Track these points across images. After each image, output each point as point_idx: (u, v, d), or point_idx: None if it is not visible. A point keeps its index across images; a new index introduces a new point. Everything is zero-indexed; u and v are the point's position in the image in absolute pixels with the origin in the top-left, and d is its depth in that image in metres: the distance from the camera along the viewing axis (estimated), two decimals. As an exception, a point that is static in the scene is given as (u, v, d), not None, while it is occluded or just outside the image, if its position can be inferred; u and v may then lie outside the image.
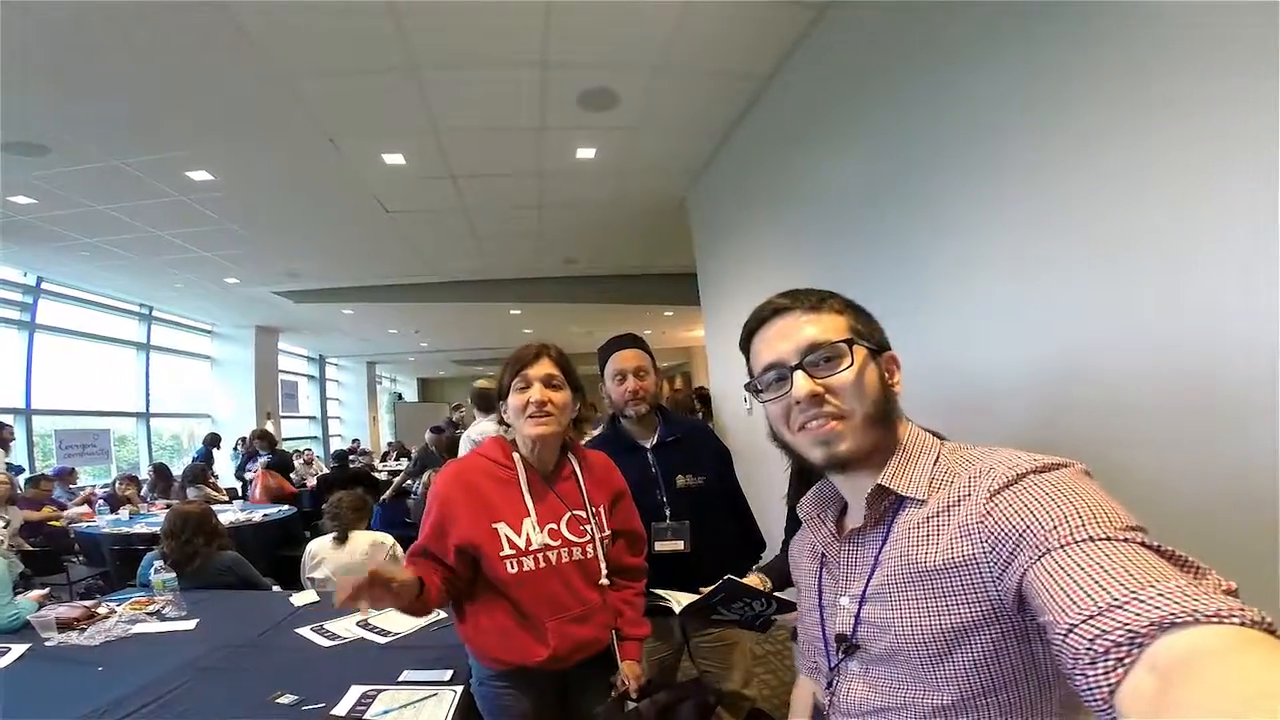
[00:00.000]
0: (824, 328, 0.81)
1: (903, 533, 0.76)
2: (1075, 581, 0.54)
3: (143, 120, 3.64)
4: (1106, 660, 0.48)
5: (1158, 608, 0.48)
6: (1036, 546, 0.60)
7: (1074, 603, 0.53)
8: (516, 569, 1.34)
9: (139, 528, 4.73)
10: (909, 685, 0.74)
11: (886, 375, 0.82)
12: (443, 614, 2.12)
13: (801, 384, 0.78)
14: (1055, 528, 0.60)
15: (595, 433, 2.29)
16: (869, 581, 0.79)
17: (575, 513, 1.43)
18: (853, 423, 0.78)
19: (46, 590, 2.68)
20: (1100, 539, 0.57)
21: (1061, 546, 0.58)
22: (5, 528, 4.21)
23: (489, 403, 3.58)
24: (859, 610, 0.80)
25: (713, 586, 1.25)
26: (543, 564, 1.36)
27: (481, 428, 3.68)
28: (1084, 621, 0.51)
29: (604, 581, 1.44)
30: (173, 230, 5.54)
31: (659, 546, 1.78)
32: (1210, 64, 1.33)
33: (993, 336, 2.05)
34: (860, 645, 0.79)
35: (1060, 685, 0.69)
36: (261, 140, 4.04)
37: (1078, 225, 1.68)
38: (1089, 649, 0.50)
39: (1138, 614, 0.48)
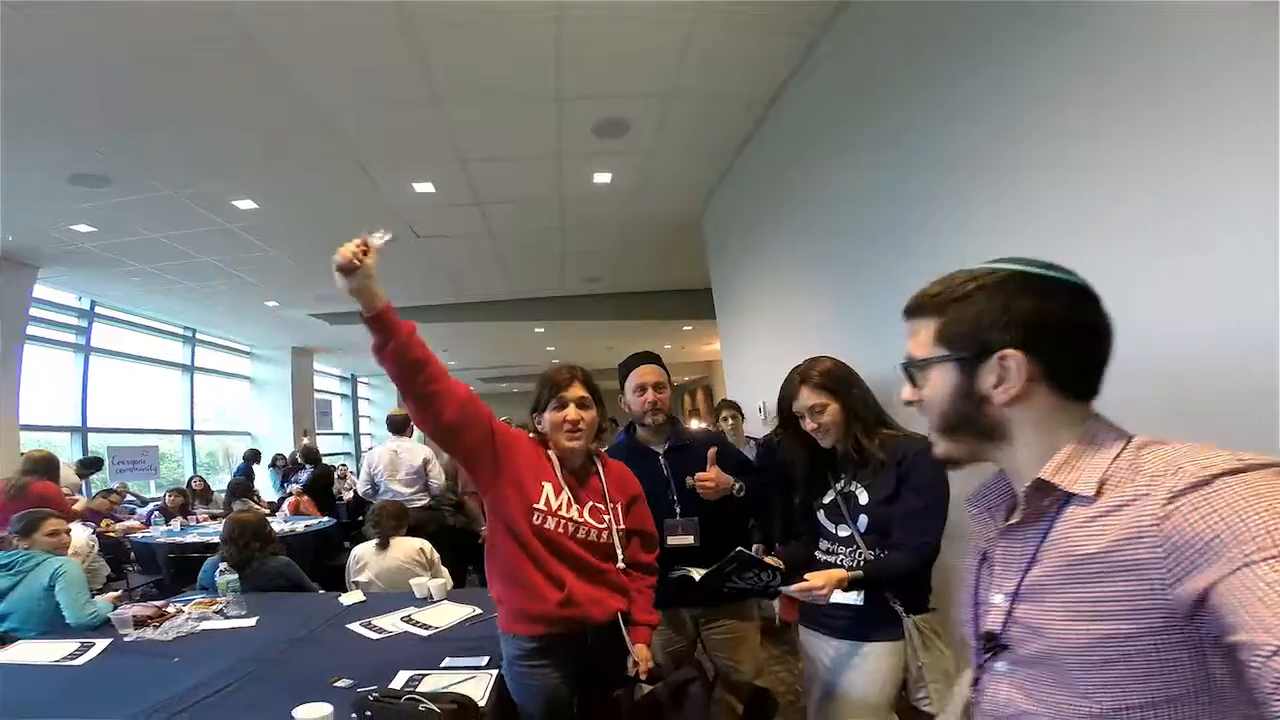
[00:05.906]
0: (918, 339, 0.79)
1: (1065, 530, 0.70)
2: None
3: (195, 152, 3.96)
4: None
5: None
6: (1230, 558, 0.55)
7: None
8: (540, 521, 1.56)
9: (190, 537, 5.10)
10: (1057, 691, 0.69)
11: (992, 380, 0.73)
12: (479, 609, 2.33)
13: (905, 390, 0.82)
14: (1254, 538, 0.54)
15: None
16: (1024, 578, 0.73)
17: (596, 504, 1.66)
18: (933, 434, 0.81)
19: (119, 593, 2.94)
20: None
21: (1263, 560, 0.53)
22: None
23: (399, 427, 4.76)
24: (1010, 608, 0.74)
25: (726, 556, 1.48)
26: (560, 530, 1.58)
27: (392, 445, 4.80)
28: None
29: (620, 565, 1.65)
30: (220, 256, 5.90)
31: (671, 540, 1.96)
32: (1224, 62, 1.32)
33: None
34: (1009, 645, 0.75)
35: (1238, 708, 0.61)
36: (301, 170, 4.36)
37: (1092, 228, 1.68)
38: None
39: None
